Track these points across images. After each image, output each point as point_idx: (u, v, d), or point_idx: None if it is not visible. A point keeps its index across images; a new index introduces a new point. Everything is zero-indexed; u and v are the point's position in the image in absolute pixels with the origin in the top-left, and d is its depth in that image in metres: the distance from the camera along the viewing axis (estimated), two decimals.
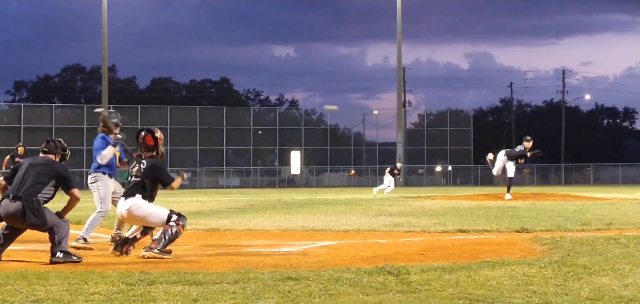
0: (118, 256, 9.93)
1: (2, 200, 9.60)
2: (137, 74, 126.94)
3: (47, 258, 9.42)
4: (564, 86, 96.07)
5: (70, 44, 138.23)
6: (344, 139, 79.13)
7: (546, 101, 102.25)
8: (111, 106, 54.75)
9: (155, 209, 10.20)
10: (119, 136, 11.71)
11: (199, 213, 19.25)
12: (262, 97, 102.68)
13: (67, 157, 10.30)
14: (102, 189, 11.56)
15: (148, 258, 9.66)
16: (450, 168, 73.73)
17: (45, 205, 9.61)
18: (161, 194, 10.93)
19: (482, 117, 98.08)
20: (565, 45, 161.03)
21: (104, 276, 7.82)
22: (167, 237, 9.91)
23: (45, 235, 9.66)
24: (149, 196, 10.25)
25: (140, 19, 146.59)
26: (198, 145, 70.84)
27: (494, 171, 26.59)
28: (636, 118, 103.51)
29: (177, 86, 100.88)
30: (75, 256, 9.49)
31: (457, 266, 8.49)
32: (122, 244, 10.10)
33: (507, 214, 17.44)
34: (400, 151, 65.58)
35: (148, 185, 10.27)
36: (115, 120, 11.85)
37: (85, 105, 75.04)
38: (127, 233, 10.65)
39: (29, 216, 9.36)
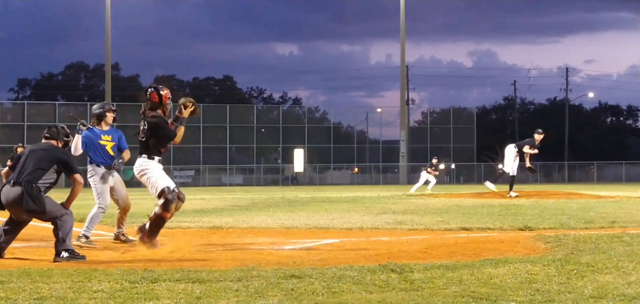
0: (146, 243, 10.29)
1: (3, 187, 9.58)
2: (141, 72, 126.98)
3: (51, 255, 9.41)
4: (567, 84, 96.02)
5: (74, 42, 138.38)
6: (347, 137, 79.04)
7: (549, 99, 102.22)
8: (113, 103, 54.67)
9: (154, 182, 10.42)
10: (83, 127, 11.69)
11: (203, 211, 19.27)
12: (265, 95, 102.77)
13: (69, 145, 10.28)
14: (98, 184, 11.56)
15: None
16: (453, 166, 73.66)
17: (47, 194, 9.56)
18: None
19: (486, 115, 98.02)
20: (569, 43, 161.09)
21: (107, 273, 7.83)
22: (150, 223, 10.31)
23: (50, 233, 9.66)
24: (157, 153, 10.57)
25: (143, 16, 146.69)
26: (201, 143, 70.81)
27: (509, 171, 26.07)
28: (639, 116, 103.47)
29: (181, 84, 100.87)
30: (79, 254, 9.48)
31: (460, 264, 8.48)
32: (141, 230, 10.44)
33: (511, 212, 17.43)
34: (403, 149, 65.58)
35: (152, 144, 10.49)
36: (97, 111, 11.92)
37: (88, 103, 75.02)
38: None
39: (27, 202, 9.25)
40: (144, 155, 10.54)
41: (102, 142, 11.66)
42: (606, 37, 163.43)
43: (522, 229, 13.26)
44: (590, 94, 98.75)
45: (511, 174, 25.77)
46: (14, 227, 9.69)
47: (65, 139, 10.10)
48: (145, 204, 18.94)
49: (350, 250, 10.56)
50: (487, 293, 6.81)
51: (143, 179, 10.57)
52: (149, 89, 10.70)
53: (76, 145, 11.45)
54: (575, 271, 7.93)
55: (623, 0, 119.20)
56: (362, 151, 77.29)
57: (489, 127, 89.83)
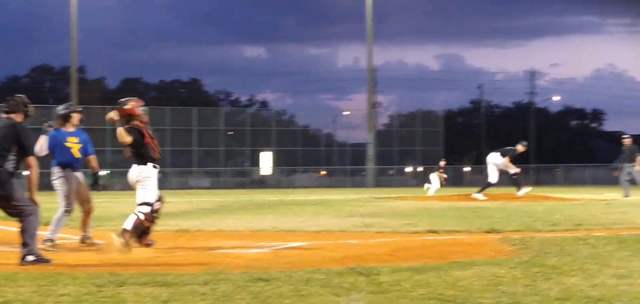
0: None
1: None
2: (107, 75, 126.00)
3: (16, 259, 9.30)
4: (532, 87, 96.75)
5: (39, 44, 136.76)
6: (315, 140, 79.04)
7: (516, 102, 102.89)
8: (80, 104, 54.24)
9: (141, 193, 10.75)
10: (49, 128, 11.64)
11: (169, 214, 19.13)
12: (232, 98, 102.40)
13: (30, 115, 9.69)
14: (63, 186, 11.48)
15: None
16: (420, 169, 73.86)
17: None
18: (130, 195, 11.04)
19: (453, 118, 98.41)
20: (535, 47, 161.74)
21: (73, 277, 7.76)
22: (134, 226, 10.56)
23: (15, 237, 9.54)
24: (141, 160, 10.84)
25: (110, 19, 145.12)
26: (168, 146, 70.45)
27: (492, 179, 26.40)
28: (604, 120, 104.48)
29: (147, 87, 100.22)
30: (44, 258, 9.37)
31: (427, 267, 8.51)
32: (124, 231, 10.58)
33: (478, 214, 17.52)
34: (371, 151, 65.68)
35: (144, 153, 10.86)
36: (62, 112, 11.89)
37: (54, 106, 74.44)
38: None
39: None
40: (133, 165, 10.88)
41: (67, 143, 11.56)
42: (571, 41, 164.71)
43: (488, 232, 13.33)
44: (556, 98, 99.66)
45: (493, 182, 26.14)
46: None
47: (25, 109, 9.60)
48: (114, 208, 18.78)
49: (318, 253, 10.57)
50: (454, 295, 6.84)
51: (138, 186, 10.80)
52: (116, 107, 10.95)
53: (41, 145, 11.36)
54: (541, 274, 7.99)
55: (588, 4, 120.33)
56: (330, 153, 77.28)
57: (455, 130, 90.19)
